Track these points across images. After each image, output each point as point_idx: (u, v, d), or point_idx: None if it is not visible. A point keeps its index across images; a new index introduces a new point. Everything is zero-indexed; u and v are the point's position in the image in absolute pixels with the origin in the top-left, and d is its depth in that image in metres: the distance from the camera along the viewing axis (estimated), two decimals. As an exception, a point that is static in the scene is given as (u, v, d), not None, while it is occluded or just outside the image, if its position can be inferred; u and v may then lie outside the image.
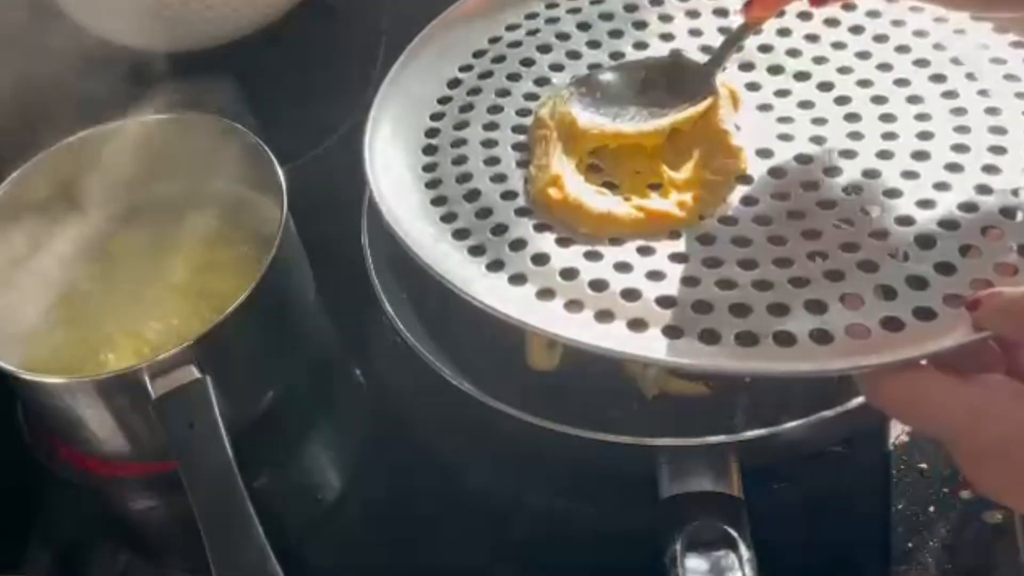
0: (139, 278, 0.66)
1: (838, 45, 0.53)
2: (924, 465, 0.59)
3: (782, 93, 0.51)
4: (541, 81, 0.54)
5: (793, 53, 0.53)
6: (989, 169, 0.46)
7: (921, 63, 0.51)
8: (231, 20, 0.75)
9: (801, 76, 0.52)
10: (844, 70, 0.52)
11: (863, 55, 0.52)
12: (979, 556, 0.56)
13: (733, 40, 0.52)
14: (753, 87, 0.52)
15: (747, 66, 0.53)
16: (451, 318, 0.62)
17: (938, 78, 0.50)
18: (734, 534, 0.49)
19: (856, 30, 0.53)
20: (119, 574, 0.63)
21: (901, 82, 0.51)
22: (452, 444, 0.63)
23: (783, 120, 0.50)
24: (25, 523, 0.64)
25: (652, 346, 0.41)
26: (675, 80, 0.52)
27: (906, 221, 0.44)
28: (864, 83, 0.51)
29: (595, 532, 0.58)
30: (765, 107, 0.51)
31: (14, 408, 0.67)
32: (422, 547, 0.60)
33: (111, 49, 0.74)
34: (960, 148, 0.47)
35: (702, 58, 0.53)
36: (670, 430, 0.59)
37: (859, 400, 0.51)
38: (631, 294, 0.44)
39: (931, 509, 0.58)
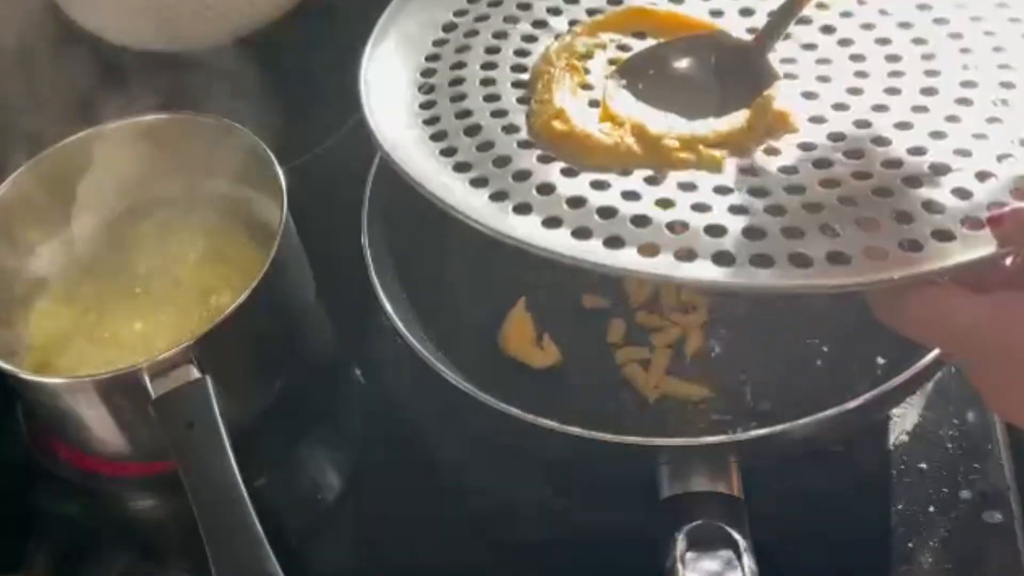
0: (139, 278, 0.66)
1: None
2: (924, 465, 0.59)
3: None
4: (539, 24, 0.53)
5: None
6: (1000, 103, 0.46)
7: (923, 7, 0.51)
8: (231, 20, 0.75)
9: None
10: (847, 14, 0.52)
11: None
12: (979, 556, 0.56)
13: (785, 14, 0.51)
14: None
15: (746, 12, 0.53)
16: (451, 317, 0.62)
17: (941, 20, 0.50)
18: (734, 534, 0.49)
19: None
20: (119, 574, 0.63)
21: (905, 24, 0.51)
22: (452, 444, 0.63)
23: (785, 61, 0.50)
24: (25, 523, 0.64)
25: (664, 268, 0.41)
26: (722, 60, 0.51)
27: (918, 151, 0.44)
28: (869, 26, 0.51)
29: (595, 532, 0.58)
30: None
31: (14, 408, 0.67)
32: (422, 547, 0.60)
33: (111, 49, 0.74)
34: (968, 84, 0.47)
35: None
36: (670, 430, 0.59)
37: (859, 400, 0.51)
38: (641, 220, 0.43)
39: (931, 509, 0.58)
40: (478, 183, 0.46)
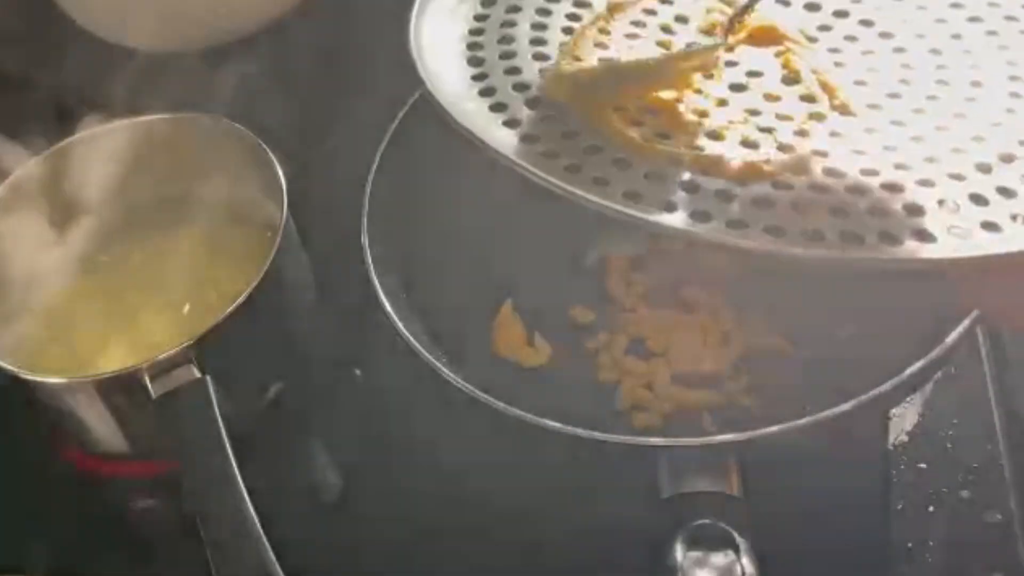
0: (138, 278, 0.66)
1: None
2: (924, 465, 0.59)
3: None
4: (580, 3, 0.54)
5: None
6: (1011, 111, 0.47)
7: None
8: (232, 20, 0.75)
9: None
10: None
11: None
12: (979, 556, 0.56)
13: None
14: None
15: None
16: (451, 317, 0.62)
17: (941, 21, 0.52)
18: (734, 534, 0.49)
19: None
20: (119, 574, 0.63)
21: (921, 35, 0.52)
22: (452, 444, 0.63)
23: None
24: (25, 523, 0.64)
25: (757, 239, 0.42)
26: None
27: (980, 140, 0.46)
28: (867, 22, 0.52)
29: (595, 532, 0.58)
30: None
31: (14, 408, 0.67)
32: (422, 547, 0.60)
33: (111, 48, 0.74)
34: (1015, 78, 0.49)
35: None
36: (670, 430, 0.59)
37: (859, 399, 0.51)
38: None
39: (931, 509, 0.58)
40: (549, 155, 0.46)
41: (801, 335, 0.61)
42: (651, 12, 0.53)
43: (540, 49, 0.51)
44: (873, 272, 0.45)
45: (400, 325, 0.57)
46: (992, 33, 0.51)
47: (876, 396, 0.51)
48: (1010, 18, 0.51)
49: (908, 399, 0.61)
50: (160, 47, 0.74)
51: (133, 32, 0.75)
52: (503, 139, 0.47)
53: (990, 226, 0.42)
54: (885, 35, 0.51)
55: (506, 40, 0.51)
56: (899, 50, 0.51)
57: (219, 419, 0.56)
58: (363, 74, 0.73)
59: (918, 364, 0.52)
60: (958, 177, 0.44)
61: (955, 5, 0.52)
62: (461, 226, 0.67)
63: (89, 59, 0.72)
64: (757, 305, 0.63)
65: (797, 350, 0.61)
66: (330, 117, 0.76)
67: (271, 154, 0.65)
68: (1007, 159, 0.44)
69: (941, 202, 0.43)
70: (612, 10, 0.53)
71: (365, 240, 0.61)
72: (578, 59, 0.50)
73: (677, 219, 0.43)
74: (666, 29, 0.52)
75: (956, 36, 0.51)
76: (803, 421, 0.51)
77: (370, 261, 0.60)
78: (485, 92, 0.49)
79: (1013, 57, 0.49)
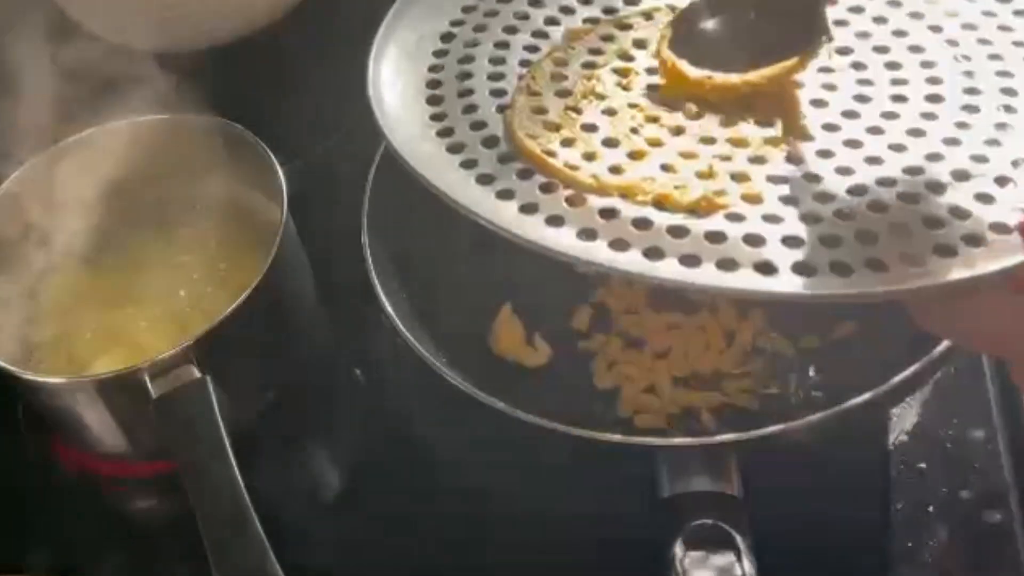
0: (138, 279, 0.66)
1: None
2: (924, 465, 0.59)
3: None
4: (539, 34, 0.53)
5: None
6: (1006, 108, 0.47)
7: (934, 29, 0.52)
8: (231, 20, 0.76)
9: None
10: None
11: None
12: (979, 556, 0.56)
13: None
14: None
15: None
16: (451, 317, 0.62)
17: (936, 28, 0.51)
18: (734, 534, 0.49)
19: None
20: (119, 574, 0.63)
21: (899, 33, 0.51)
22: (451, 444, 0.63)
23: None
24: (25, 523, 0.64)
25: (710, 277, 0.42)
26: (781, 14, 0.50)
27: (935, 157, 0.45)
28: (864, 35, 0.51)
29: (594, 532, 0.58)
30: None
31: (14, 408, 0.67)
32: (421, 547, 0.60)
33: (111, 48, 0.74)
34: (972, 91, 0.48)
35: None
36: (670, 430, 0.59)
37: (859, 400, 0.51)
38: (679, 231, 0.44)
39: (931, 509, 0.58)
40: (504, 195, 0.46)
41: (801, 335, 0.61)
42: (609, 39, 0.53)
43: (498, 85, 0.51)
44: (827, 306, 0.45)
45: (400, 325, 0.57)
46: (952, 43, 0.50)
47: (876, 396, 0.51)
48: (968, 26, 0.50)
49: (908, 399, 0.61)
50: (160, 47, 0.74)
51: (133, 32, 0.75)
52: (457, 181, 0.47)
53: (945, 250, 0.40)
54: (843, 51, 0.50)
55: (464, 76, 0.51)
56: (857, 66, 0.50)
57: (219, 419, 0.56)
58: (363, 73, 0.73)
59: (918, 364, 0.52)
60: (912, 199, 0.43)
61: (914, 15, 0.51)
62: (461, 226, 0.67)
63: (89, 59, 0.72)
64: (757, 305, 0.63)
65: (797, 350, 0.61)
66: (330, 117, 0.76)
67: (271, 154, 0.65)
68: (961, 176, 0.43)
69: (892, 226, 0.42)
70: (570, 39, 0.53)
71: (365, 240, 0.61)
72: (535, 94, 0.50)
73: (630, 259, 0.43)
74: (624, 56, 0.52)
75: (915, 48, 0.50)
76: (803, 421, 0.51)
77: (370, 261, 0.60)
78: (443, 133, 0.49)
79: (971, 68, 0.48)
